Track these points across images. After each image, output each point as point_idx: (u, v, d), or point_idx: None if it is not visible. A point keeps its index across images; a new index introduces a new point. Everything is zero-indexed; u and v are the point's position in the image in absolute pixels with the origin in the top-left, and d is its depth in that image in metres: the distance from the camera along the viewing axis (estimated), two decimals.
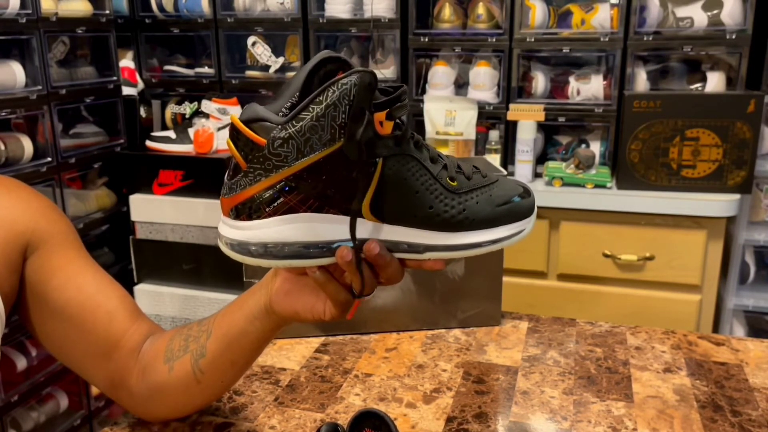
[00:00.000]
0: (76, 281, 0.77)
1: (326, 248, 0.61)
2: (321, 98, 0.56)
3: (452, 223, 0.62)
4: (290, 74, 2.36)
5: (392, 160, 0.59)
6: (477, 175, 0.65)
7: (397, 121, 0.60)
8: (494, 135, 2.14)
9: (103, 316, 0.77)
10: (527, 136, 2.05)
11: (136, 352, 0.78)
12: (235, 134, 0.59)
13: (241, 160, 0.59)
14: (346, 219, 0.60)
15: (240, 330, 0.72)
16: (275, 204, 0.59)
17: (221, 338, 0.73)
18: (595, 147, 2.14)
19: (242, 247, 0.60)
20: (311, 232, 0.60)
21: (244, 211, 0.60)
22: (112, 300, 0.78)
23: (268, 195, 0.59)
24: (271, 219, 0.59)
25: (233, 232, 0.61)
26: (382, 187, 0.60)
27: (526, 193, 0.66)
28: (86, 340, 0.77)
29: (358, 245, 0.60)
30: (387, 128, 0.59)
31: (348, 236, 0.60)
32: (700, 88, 2.04)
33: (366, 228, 0.61)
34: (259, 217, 0.59)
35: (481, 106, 2.16)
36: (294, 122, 0.57)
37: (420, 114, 2.19)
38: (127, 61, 2.48)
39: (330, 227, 0.60)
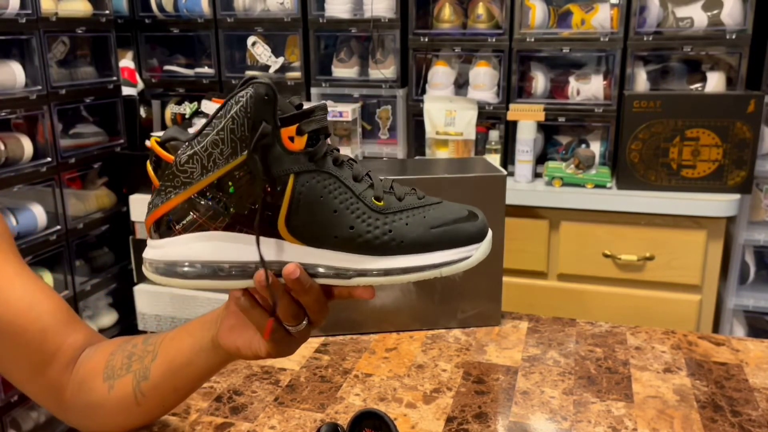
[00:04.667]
0: (5, 295, 0.72)
1: (242, 270, 0.58)
2: (221, 113, 0.56)
3: (376, 246, 0.58)
4: (289, 74, 2.36)
5: (305, 176, 0.57)
6: (411, 197, 0.61)
7: (316, 137, 0.58)
8: (494, 135, 2.14)
9: (36, 332, 0.73)
10: (527, 136, 2.05)
11: (72, 365, 0.75)
12: (150, 155, 0.59)
13: (154, 179, 0.58)
14: (263, 239, 0.58)
15: (186, 359, 0.70)
16: (184, 221, 0.57)
17: (167, 364, 0.71)
18: (595, 147, 2.14)
19: (152, 265, 0.59)
20: (221, 252, 0.58)
21: (158, 230, 0.59)
22: (44, 314, 0.74)
23: (177, 212, 0.57)
24: (182, 237, 0.58)
25: (148, 251, 0.60)
26: (296, 205, 0.57)
27: (473, 216, 0.61)
28: (19, 357, 0.73)
29: (277, 269, 0.58)
30: (299, 144, 0.57)
31: (269, 258, 0.58)
32: (700, 88, 2.04)
33: (286, 250, 0.58)
34: (170, 235, 0.58)
35: (481, 106, 2.16)
36: (199, 138, 0.57)
37: (420, 114, 2.20)
38: (127, 61, 2.48)
39: (243, 247, 0.57)
